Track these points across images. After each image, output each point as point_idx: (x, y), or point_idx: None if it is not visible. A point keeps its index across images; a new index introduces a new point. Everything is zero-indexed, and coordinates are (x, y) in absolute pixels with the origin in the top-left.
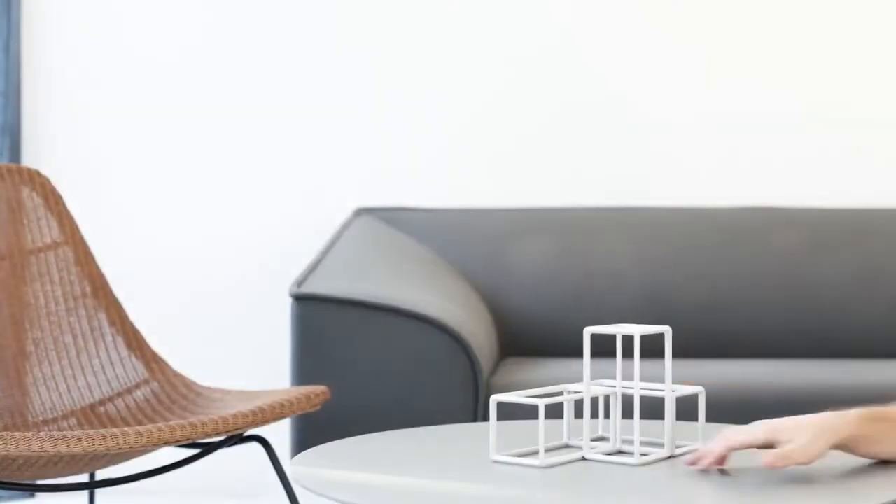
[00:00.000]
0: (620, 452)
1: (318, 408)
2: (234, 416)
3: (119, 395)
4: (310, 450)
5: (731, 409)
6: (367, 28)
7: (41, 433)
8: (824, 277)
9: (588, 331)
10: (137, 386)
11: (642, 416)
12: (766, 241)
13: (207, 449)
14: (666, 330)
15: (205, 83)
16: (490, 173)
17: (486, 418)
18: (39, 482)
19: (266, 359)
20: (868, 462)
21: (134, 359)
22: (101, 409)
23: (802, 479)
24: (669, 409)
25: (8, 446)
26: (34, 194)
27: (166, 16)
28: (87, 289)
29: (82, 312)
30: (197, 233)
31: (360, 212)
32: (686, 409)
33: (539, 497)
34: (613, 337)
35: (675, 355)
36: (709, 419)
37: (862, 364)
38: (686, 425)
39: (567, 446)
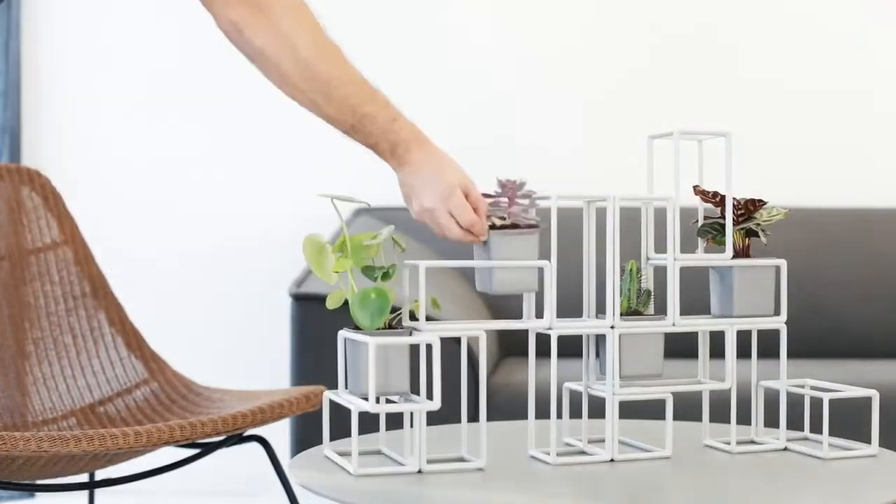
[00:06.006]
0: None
1: (318, 407)
2: (234, 416)
3: (119, 395)
4: (309, 449)
5: (724, 411)
6: (367, 28)
7: (41, 433)
8: (824, 277)
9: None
10: (137, 386)
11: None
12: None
13: (207, 449)
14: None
15: (205, 84)
16: (491, 173)
17: (487, 418)
18: (39, 482)
19: (266, 359)
20: (868, 462)
21: (134, 359)
22: (101, 409)
23: (803, 479)
24: (669, 409)
25: (8, 446)
26: (34, 194)
27: (167, 17)
28: (87, 289)
29: (82, 312)
30: (197, 233)
31: (360, 212)
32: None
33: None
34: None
35: (671, 355)
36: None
37: (862, 364)
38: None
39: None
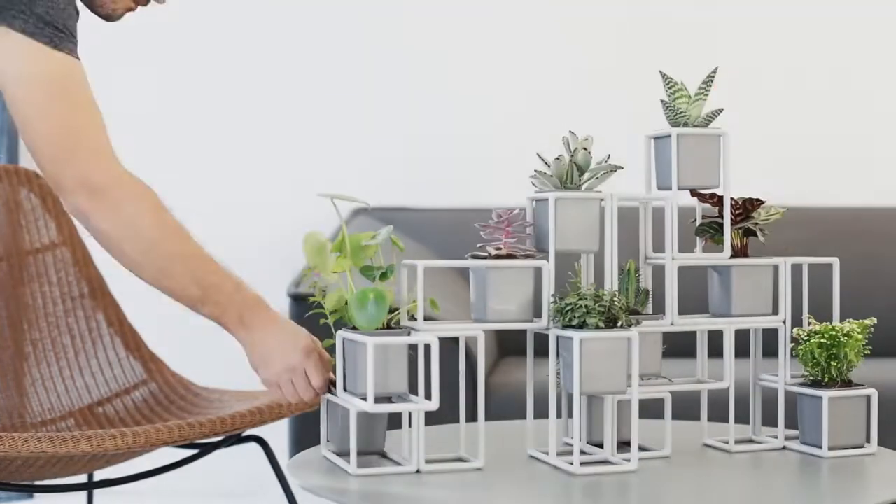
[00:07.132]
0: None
1: (316, 408)
2: (233, 417)
3: (117, 395)
4: (308, 450)
5: (722, 410)
6: (368, 30)
7: (39, 434)
8: (824, 277)
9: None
10: (136, 386)
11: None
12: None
13: (206, 449)
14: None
15: (205, 84)
16: (490, 173)
17: (485, 418)
18: (38, 483)
19: None
20: (867, 462)
21: (132, 359)
22: (100, 409)
23: (802, 477)
24: (668, 409)
25: (6, 447)
26: (32, 195)
27: (167, 17)
28: (86, 289)
29: (80, 313)
30: (195, 232)
31: (359, 212)
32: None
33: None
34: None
35: (672, 355)
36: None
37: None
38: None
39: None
